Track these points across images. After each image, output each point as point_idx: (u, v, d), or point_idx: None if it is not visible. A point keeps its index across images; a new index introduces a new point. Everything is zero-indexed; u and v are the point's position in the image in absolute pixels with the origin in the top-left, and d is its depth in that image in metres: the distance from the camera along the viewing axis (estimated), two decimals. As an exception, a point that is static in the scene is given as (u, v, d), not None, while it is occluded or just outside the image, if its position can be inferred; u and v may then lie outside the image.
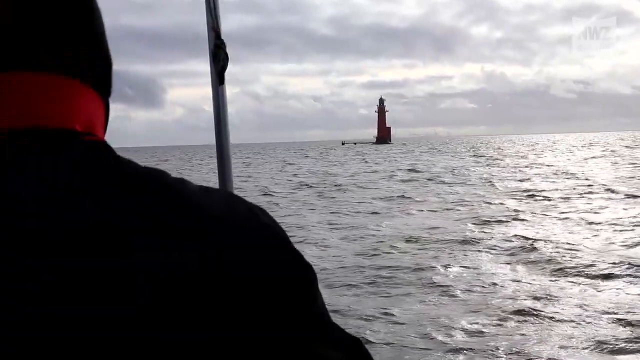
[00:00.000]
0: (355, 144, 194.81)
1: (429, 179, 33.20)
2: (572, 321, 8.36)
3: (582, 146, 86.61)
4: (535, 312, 8.72)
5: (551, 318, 8.47)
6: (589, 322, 8.27)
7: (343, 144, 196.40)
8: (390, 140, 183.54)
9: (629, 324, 8.08)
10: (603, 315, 8.47)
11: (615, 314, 8.53)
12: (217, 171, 1.51)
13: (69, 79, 0.71)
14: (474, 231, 15.44)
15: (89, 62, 0.74)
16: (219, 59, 1.48)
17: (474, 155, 66.39)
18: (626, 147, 71.26)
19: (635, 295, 9.48)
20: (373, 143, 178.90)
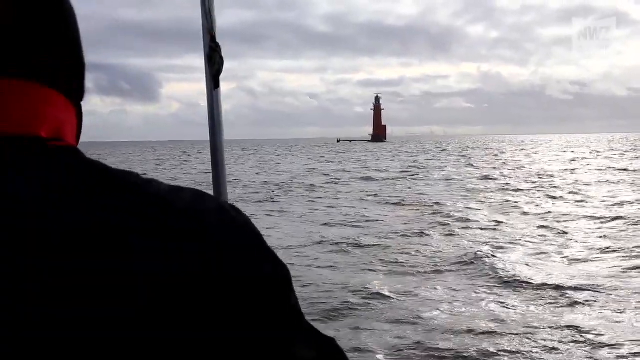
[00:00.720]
0: (350, 141, 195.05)
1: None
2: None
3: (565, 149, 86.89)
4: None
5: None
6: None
7: (338, 141, 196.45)
8: (385, 139, 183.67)
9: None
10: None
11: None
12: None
13: (34, 84, 0.70)
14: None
15: (57, 68, 0.73)
16: (214, 62, 1.47)
17: (462, 156, 67.63)
18: (596, 152, 71.81)
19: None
20: (368, 141, 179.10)
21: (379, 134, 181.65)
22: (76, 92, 0.77)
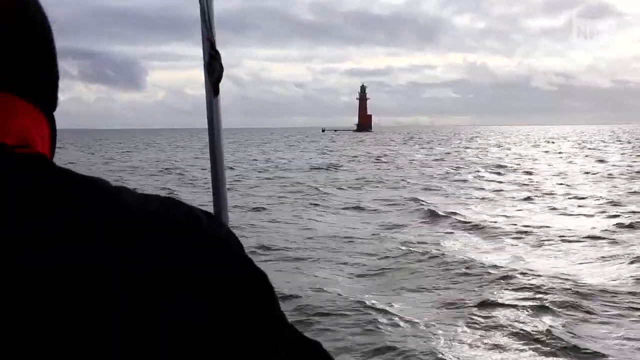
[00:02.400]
0: (335, 131, 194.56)
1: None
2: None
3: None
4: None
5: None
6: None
7: (323, 131, 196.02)
8: (371, 129, 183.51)
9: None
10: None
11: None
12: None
13: (0, 94, 0.70)
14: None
15: (27, 78, 0.73)
16: (213, 70, 1.46)
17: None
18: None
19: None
20: (354, 131, 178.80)
21: (364, 123, 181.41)
22: (47, 103, 0.77)
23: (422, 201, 18.06)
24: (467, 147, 60.05)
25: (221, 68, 1.46)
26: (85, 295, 0.61)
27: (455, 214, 15.62)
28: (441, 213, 15.71)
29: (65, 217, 0.64)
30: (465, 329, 7.42)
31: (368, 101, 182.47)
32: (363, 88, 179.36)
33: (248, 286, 0.70)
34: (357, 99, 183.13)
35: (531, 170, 30.25)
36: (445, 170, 31.06)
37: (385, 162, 39.80)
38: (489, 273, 9.67)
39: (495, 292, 8.77)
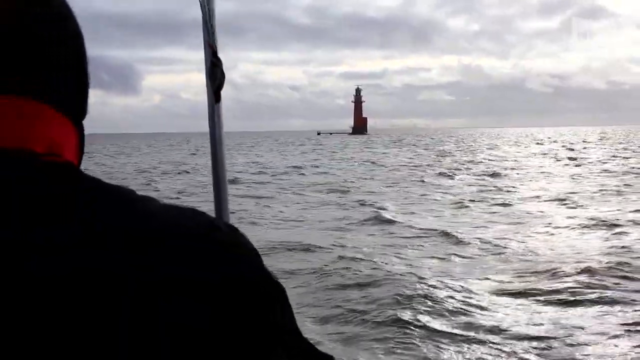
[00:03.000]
0: (331, 134, 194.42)
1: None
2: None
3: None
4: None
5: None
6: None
7: (319, 134, 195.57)
8: (366, 131, 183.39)
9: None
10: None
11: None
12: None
13: (28, 101, 0.71)
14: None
15: (56, 85, 0.74)
16: (215, 78, 1.46)
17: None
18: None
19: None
20: (349, 133, 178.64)
21: (359, 126, 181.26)
22: (77, 111, 0.78)
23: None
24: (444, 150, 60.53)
25: (223, 75, 1.46)
26: (90, 301, 0.61)
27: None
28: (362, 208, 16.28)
29: (80, 224, 0.64)
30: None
31: (364, 104, 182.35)
32: (358, 91, 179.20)
33: (252, 290, 0.69)
34: (352, 101, 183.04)
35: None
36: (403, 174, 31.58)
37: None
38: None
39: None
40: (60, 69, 0.74)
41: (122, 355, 0.61)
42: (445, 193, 21.59)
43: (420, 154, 54.51)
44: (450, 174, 29.56)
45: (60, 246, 0.62)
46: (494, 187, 23.06)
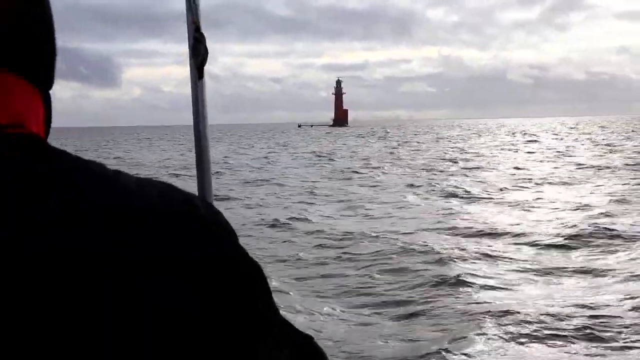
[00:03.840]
0: (311, 126, 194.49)
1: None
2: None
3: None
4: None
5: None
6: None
7: (299, 126, 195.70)
8: (347, 123, 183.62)
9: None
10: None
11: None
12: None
13: None
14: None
15: (22, 53, 0.70)
16: (198, 53, 1.44)
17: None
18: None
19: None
20: (330, 125, 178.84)
21: (340, 118, 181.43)
22: (44, 80, 0.74)
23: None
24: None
25: (206, 51, 1.45)
26: (70, 280, 0.60)
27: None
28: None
29: (60, 203, 0.63)
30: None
31: (346, 96, 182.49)
32: (339, 82, 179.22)
33: (234, 269, 0.68)
34: (332, 93, 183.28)
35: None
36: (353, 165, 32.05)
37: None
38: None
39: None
40: (24, 36, 0.70)
41: (106, 333, 0.60)
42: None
43: (381, 146, 55.96)
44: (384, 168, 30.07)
45: (43, 225, 0.61)
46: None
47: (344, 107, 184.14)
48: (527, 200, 17.05)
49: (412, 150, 44.86)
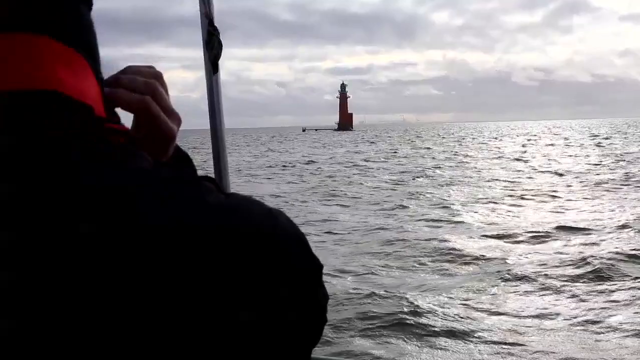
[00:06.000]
0: (316, 130, 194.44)
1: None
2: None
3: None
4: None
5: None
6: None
7: (304, 130, 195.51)
8: (352, 127, 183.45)
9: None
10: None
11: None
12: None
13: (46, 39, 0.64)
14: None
15: (49, 15, 0.65)
16: (212, 47, 1.42)
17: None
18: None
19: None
20: (335, 129, 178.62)
21: (344, 122, 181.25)
22: (86, 45, 0.69)
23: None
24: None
25: (220, 45, 1.42)
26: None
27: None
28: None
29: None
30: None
31: (351, 100, 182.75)
32: (343, 86, 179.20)
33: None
34: (337, 97, 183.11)
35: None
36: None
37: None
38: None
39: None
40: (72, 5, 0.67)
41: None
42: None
43: (369, 150, 55.79)
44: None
45: None
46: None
47: (349, 111, 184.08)
48: None
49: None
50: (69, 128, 0.61)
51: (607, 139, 64.60)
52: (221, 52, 1.42)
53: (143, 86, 0.76)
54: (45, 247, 0.55)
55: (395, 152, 48.59)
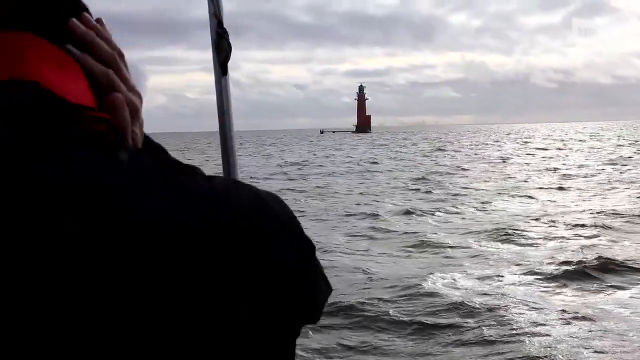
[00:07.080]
0: (334, 132, 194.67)
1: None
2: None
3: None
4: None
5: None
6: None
7: (322, 132, 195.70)
8: (370, 129, 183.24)
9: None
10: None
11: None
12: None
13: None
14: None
15: (40, 14, 0.67)
16: (221, 49, 1.38)
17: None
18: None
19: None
20: (352, 132, 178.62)
21: (363, 124, 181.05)
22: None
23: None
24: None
25: (229, 46, 1.39)
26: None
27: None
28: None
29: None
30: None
31: (369, 102, 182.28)
32: (361, 88, 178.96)
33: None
34: (355, 99, 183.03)
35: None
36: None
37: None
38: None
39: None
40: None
41: None
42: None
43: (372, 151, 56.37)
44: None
45: None
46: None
47: (367, 113, 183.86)
48: None
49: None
50: (45, 119, 0.60)
51: None
52: (230, 53, 1.39)
53: (110, 58, 0.74)
54: (31, 246, 0.54)
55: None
